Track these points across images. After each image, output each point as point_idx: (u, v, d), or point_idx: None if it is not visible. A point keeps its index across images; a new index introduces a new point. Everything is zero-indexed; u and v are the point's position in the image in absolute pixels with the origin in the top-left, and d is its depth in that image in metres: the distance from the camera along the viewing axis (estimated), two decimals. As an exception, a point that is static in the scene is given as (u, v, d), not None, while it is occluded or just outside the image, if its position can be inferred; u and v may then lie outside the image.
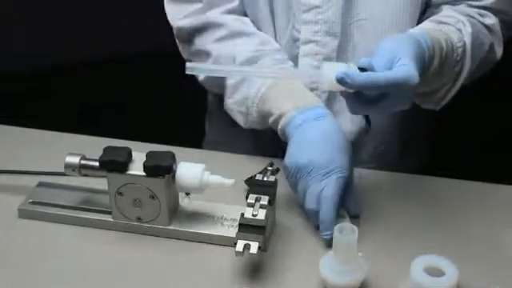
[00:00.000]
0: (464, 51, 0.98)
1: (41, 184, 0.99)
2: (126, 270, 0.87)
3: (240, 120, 1.06)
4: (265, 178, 0.90)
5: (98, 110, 2.42)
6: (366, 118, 1.07)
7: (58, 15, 2.51)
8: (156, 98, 2.42)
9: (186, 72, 0.87)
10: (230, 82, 1.05)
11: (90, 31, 2.52)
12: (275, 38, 1.09)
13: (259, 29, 1.10)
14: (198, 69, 0.89)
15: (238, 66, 1.02)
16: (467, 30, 0.99)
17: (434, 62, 0.92)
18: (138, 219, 0.91)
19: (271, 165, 0.96)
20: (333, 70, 0.83)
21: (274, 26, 1.09)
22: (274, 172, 0.94)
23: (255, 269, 0.86)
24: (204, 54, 1.09)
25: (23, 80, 2.53)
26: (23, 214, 0.95)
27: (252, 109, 1.02)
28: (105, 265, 0.88)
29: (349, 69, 0.84)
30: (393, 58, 0.85)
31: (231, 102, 1.06)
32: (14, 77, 2.47)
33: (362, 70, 0.84)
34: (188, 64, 0.86)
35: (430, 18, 1.02)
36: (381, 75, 0.82)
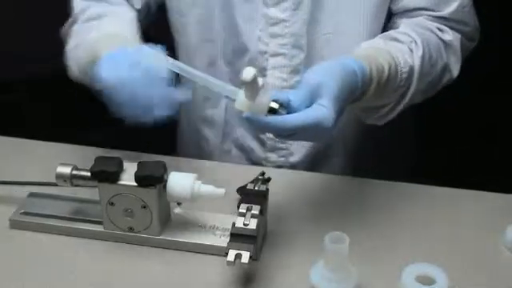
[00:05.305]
0: (410, 76, 0.98)
1: (32, 194, 0.99)
2: (117, 280, 0.87)
3: (71, 69, 1.05)
4: (256, 188, 0.90)
5: (88, 119, 2.41)
6: None
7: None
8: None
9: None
10: (77, 26, 1.08)
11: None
12: (236, 52, 1.10)
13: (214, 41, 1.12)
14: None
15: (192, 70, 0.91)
16: (418, 53, 0.99)
17: (371, 88, 0.92)
18: (130, 229, 0.91)
19: (262, 174, 0.96)
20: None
21: (237, 40, 1.10)
22: (266, 181, 0.94)
23: (247, 278, 0.86)
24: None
25: (9, 89, 2.52)
26: (14, 224, 0.95)
27: (83, 52, 1.00)
28: (96, 275, 0.88)
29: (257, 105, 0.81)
30: (314, 94, 0.83)
31: (70, 47, 1.06)
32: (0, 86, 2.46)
33: (275, 102, 0.82)
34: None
35: (385, 34, 1.03)
36: (288, 121, 0.81)
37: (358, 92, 0.90)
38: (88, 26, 1.05)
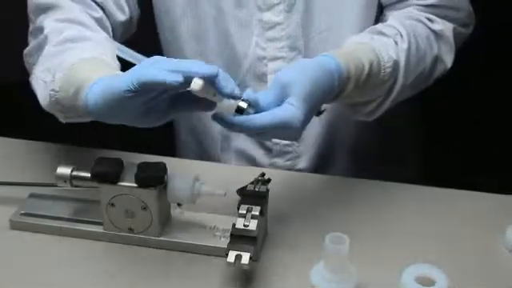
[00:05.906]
0: (395, 70, 0.96)
1: (32, 195, 0.99)
2: (117, 280, 0.87)
3: (40, 94, 0.94)
4: (256, 189, 0.90)
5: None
6: None
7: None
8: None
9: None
10: (49, 47, 0.95)
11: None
12: (233, 60, 1.09)
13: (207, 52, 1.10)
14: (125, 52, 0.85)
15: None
16: (403, 45, 0.98)
17: (349, 86, 0.91)
18: (130, 230, 0.91)
19: (263, 175, 0.96)
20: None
21: (232, 49, 1.09)
22: (266, 182, 0.94)
23: (247, 279, 0.86)
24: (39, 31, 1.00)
25: (9, 89, 2.52)
26: (15, 225, 0.95)
27: (58, 75, 0.89)
28: (96, 276, 0.88)
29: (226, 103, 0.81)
30: (284, 93, 0.83)
31: (39, 70, 0.94)
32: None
33: (244, 101, 0.82)
34: (120, 46, 0.84)
35: (372, 28, 1.02)
36: (254, 120, 0.81)
37: (335, 91, 0.89)
38: (63, 48, 0.93)
